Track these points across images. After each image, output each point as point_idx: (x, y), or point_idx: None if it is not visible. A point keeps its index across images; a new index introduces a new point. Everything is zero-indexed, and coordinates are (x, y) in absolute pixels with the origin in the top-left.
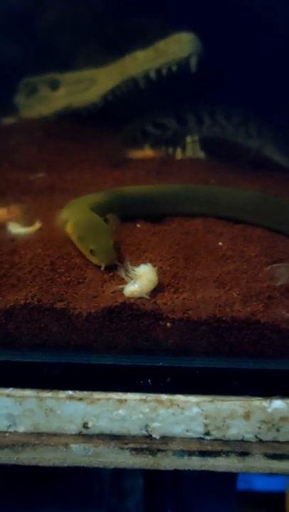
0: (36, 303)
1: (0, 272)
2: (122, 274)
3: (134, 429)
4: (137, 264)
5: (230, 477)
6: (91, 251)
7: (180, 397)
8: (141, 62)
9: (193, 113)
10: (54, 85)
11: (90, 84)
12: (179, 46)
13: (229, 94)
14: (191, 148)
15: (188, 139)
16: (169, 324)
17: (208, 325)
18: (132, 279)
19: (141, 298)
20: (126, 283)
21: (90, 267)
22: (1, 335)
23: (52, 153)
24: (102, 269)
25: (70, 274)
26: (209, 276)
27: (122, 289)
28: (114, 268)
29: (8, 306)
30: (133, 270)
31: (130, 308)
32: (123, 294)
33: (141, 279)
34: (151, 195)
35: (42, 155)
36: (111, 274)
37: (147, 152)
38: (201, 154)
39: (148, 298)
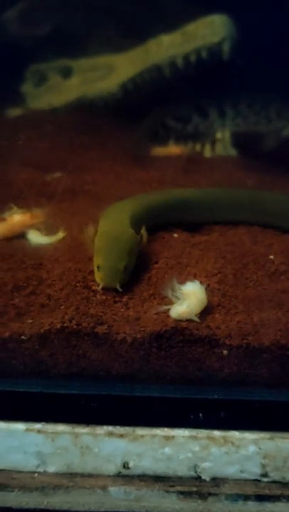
0: (75, 327)
1: (27, 289)
2: (168, 292)
3: (181, 469)
4: (182, 281)
5: None
6: (98, 266)
7: (235, 434)
8: (166, 47)
9: (215, 104)
10: (66, 73)
11: (108, 72)
12: (210, 30)
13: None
14: (222, 145)
15: (219, 135)
16: (225, 352)
17: (271, 352)
18: (178, 298)
19: (190, 320)
20: (171, 302)
21: (124, 283)
22: (34, 363)
23: (66, 149)
24: (99, 288)
25: (105, 292)
26: (263, 295)
27: (168, 309)
28: (116, 292)
29: (42, 331)
30: (179, 288)
31: (182, 334)
32: (169, 316)
33: (189, 299)
34: (190, 200)
35: (55, 152)
36: (150, 291)
37: (172, 149)
38: (233, 151)
39: (198, 321)
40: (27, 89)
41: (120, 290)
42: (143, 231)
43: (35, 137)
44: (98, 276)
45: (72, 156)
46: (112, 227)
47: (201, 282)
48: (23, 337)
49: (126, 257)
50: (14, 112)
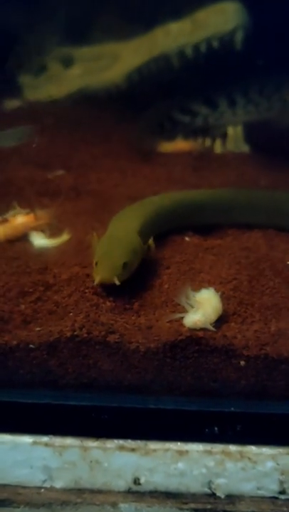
0: (86, 335)
1: (33, 295)
2: (182, 300)
3: (195, 485)
4: (196, 288)
5: None
6: (96, 263)
7: (252, 449)
8: (175, 36)
9: (224, 94)
10: (67, 62)
11: (112, 62)
12: (222, 18)
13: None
14: (233, 140)
15: (230, 130)
16: (242, 362)
17: None
18: (192, 306)
19: (205, 329)
20: (184, 311)
21: (133, 289)
22: (42, 373)
23: (67, 145)
24: (95, 284)
25: (115, 299)
26: (281, 302)
27: (182, 318)
28: (113, 289)
29: (51, 339)
30: (193, 296)
31: (198, 343)
32: (182, 325)
33: (203, 307)
34: (203, 203)
35: (56, 147)
36: (162, 298)
37: (180, 144)
38: (245, 147)
39: (214, 330)
40: (25, 79)
41: (118, 283)
42: (151, 242)
43: (35, 132)
44: (95, 272)
45: (74, 152)
46: (115, 232)
47: (215, 289)
48: (31, 346)
49: (127, 255)
50: (11, 104)
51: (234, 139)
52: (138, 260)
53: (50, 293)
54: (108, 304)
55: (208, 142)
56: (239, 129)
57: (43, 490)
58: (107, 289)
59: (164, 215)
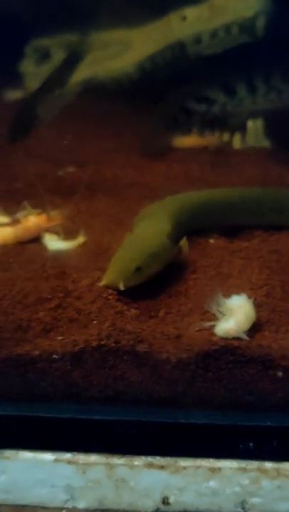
0: (113, 345)
1: (52, 302)
2: (213, 307)
3: (227, 505)
4: (225, 294)
5: None
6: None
7: None
8: (191, 22)
9: (244, 80)
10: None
11: (122, 49)
12: (242, 3)
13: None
14: (253, 134)
15: (250, 124)
16: (280, 373)
17: None
18: (223, 314)
19: (238, 339)
20: (215, 318)
21: (158, 295)
22: (65, 385)
23: (76, 139)
24: (100, 284)
25: (139, 305)
26: None
27: (212, 326)
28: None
29: (76, 349)
30: (224, 303)
31: (232, 353)
32: (213, 333)
33: (236, 315)
34: (228, 201)
35: (64, 142)
36: (189, 305)
37: (196, 139)
38: (266, 143)
39: (247, 339)
40: (27, 67)
41: (122, 289)
42: (184, 242)
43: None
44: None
45: (83, 147)
46: (144, 233)
47: (247, 295)
48: (54, 356)
49: (141, 259)
50: (13, 95)
51: (254, 133)
52: (160, 265)
53: (70, 299)
54: (133, 311)
55: (226, 137)
56: (259, 122)
57: (64, 511)
58: (131, 296)
59: (195, 213)
